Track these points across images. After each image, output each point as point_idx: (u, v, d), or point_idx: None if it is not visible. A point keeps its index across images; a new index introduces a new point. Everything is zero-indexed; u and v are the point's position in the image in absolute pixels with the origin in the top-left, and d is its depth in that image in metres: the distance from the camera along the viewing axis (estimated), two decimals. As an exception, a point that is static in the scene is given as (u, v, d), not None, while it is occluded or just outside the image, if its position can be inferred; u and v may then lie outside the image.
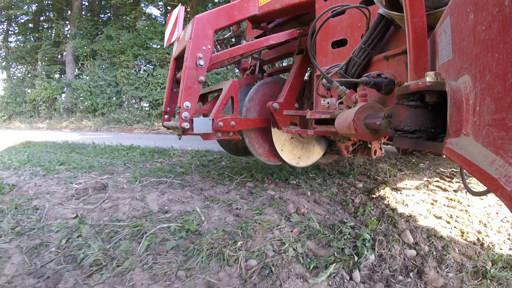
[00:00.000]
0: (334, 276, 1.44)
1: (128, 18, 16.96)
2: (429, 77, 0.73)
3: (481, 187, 2.75)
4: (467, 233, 1.98)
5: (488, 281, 1.48)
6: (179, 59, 2.64)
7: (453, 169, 3.80)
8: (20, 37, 20.19)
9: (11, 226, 1.89)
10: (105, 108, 14.33)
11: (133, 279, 1.40)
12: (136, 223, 1.91)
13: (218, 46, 3.16)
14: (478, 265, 1.60)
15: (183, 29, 2.60)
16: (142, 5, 17.01)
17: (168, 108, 2.78)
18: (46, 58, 17.69)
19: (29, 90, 18.14)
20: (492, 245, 1.85)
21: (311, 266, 1.51)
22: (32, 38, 18.84)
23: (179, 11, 2.79)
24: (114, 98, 14.58)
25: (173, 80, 2.76)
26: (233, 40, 3.32)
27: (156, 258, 1.57)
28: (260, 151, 2.66)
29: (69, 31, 17.23)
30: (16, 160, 3.92)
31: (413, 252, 1.70)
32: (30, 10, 17.47)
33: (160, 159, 4.23)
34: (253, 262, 1.51)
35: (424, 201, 2.56)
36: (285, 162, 2.73)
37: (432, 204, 2.50)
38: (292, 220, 2.04)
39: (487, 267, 1.58)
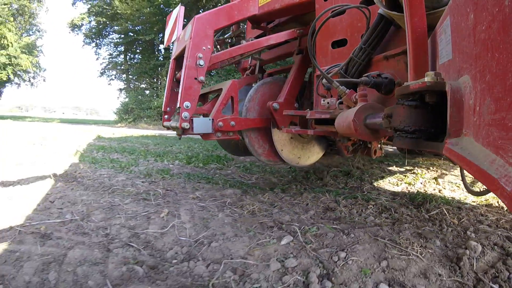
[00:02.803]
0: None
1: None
2: (429, 77, 0.73)
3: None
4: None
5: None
6: (179, 59, 2.64)
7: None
8: (139, 55, 23.79)
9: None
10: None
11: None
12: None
13: (218, 46, 3.16)
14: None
15: (183, 29, 2.60)
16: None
17: (168, 108, 2.77)
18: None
19: (152, 99, 21.00)
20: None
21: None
22: (152, 58, 22.39)
23: (179, 11, 2.79)
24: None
25: (173, 80, 2.76)
26: (231, 40, 3.32)
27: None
28: (260, 151, 2.66)
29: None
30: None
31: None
32: (151, 35, 20.66)
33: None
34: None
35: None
36: (285, 162, 2.73)
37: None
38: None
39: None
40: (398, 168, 3.84)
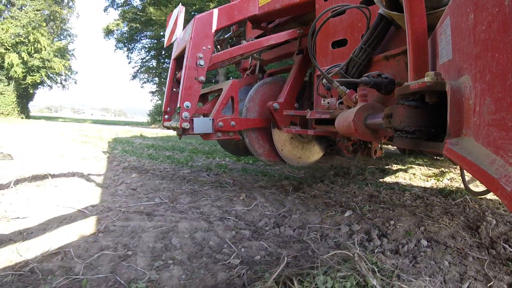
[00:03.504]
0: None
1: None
2: (429, 77, 0.73)
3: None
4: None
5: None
6: (179, 59, 2.64)
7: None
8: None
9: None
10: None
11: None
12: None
13: (219, 46, 3.16)
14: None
15: (183, 29, 2.60)
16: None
17: (168, 108, 2.77)
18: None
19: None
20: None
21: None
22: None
23: (179, 11, 2.78)
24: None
25: (173, 80, 2.76)
26: (231, 40, 3.31)
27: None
28: (260, 151, 2.66)
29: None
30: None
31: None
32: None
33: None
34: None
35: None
36: (285, 162, 2.73)
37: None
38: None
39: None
40: (427, 168, 4.33)
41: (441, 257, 1.54)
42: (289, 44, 2.83)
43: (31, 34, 22.40)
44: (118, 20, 24.11)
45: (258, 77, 3.07)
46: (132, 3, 23.55)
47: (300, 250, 1.60)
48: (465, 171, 2.09)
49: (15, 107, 23.15)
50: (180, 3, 3.02)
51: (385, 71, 1.67)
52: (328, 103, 2.09)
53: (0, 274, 1.29)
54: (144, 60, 25.73)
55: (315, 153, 2.86)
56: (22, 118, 22.41)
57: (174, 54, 2.73)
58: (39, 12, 23.10)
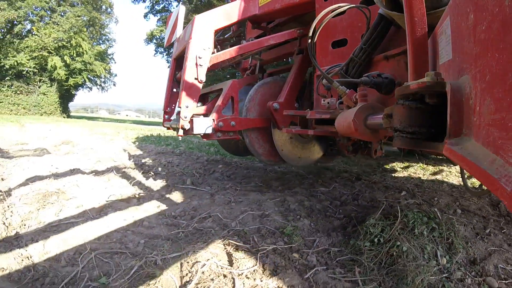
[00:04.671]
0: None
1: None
2: (429, 77, 0.72)
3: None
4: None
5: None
6: (179, 59, 2.64)
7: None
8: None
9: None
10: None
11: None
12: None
13: (219, 46, 3.16)
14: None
15: (183, 29, 2.60)
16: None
17: (168, 108, 2.78)
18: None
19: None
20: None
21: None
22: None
23: (179, 11, 2.79)
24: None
25: (173, 80, 2.76)
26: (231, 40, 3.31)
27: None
28: (260, 151, 2.65)
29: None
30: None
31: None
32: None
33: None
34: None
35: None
36: (285, 162, 2.73)
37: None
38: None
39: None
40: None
41: (471, 218, 2.19)
42: (289, 44, 2.83)
43: (73, 39, 23.77)
44: (162, 25, 24.90)
45: (258, 77, 3.07)
46: (171, 9, 24.07)
47: (379, 208, 2.01)
48: (465, 171, 2.10)
49: (58, 107, 24.50)
50: (180, 3, 3.01)
51: (385, 71, 1.67)
52: (328, 103, 2.08)
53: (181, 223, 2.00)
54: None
55: (315, 153, 2.86)
56: (64, 117, 23.64)
57: (174, 54, 2.73)
58: (79, 18, 24.41)
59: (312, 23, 1.76)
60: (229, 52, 2.49)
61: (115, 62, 30.49)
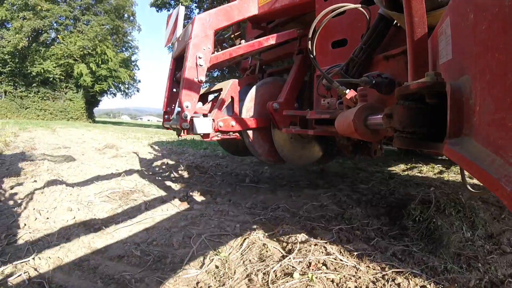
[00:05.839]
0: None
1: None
2: (429, 77, 0.72)
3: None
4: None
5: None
6: (179, 59, 2.64)
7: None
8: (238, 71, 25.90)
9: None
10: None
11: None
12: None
13: (218, 46, 3.16)
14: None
15: (183, 29, 2.60)
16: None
17: (168, 108, 2.78)
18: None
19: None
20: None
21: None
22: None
23: (179, 11, 2.78)
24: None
25: (173, 80, 2.76)
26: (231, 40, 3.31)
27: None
28: (260, 151, 2.65)
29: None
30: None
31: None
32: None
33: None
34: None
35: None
36: (285, 162, 2.73)
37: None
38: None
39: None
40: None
41: (490, 207, 2.31)
42: (289, 44, 2.83)
43: (98, 47, 24.82)
44: (184, 32, 25.83)
45: (258, 77, 3.07)
46: (192, 16, 24.91)
47: (416, 197, 2.20)
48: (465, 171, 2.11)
49: (84, 112, 25.82)
50: (180, 3, 3.02)
51: (385, 71, 1.67)
52: (328, 103, 2.08)
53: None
54: (208, 72, 26.57)
55: (315, 153, 2.86)
56: (90, 122, 24.99)
57: (174, 54, 2.73)
58: (103, 26, 25.42)
59: (312, 23, 1.76)
60: (229, 52, 2.49)
61: (138, 69, 31.52)
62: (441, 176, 3.88)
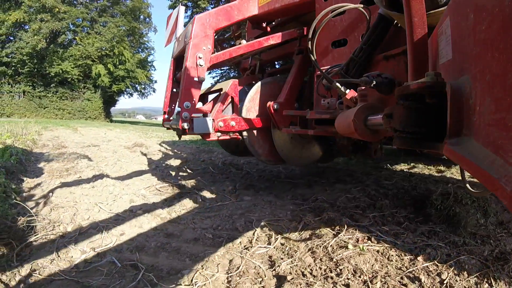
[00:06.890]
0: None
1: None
2: (429, 77, 0.72)
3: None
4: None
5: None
6: (179, 59, 2.64)
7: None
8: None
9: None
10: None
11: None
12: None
13: (218, 46, 3.16)
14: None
15: (183, 29, 2.60)
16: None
17: (168, 108, 2.78)
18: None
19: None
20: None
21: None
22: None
23: (179, 11, 2.78)
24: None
25: (173, 80, 2.76)
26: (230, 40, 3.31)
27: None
28: (260, 151, 2.65)
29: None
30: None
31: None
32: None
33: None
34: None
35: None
36: (285, 162, 2.73)
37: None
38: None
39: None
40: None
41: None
42: (289, 44, 2.83)
43: (116, 48, 25.31)
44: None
45: (258, 77, 3.07)
46: None
47: (437, 190, 2.48)
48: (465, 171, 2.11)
49: (101, 111, 26.25)
50: (180, 3, 3.02)
51: (385, 71, 1.67)
52: (328, 103, 2.08)
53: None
54: (223, 72, 27.22)
55: (315, 153, 2.86)
56: (108, 121, 25.40)
57: (174, 54, 2.73)
58: (120, 28, 25.93)
59: (312, 23, 1.76)
60: (229, 52, 2.49)
61: (155, 69, 31.77)
62: (458, 175, 4.00)
